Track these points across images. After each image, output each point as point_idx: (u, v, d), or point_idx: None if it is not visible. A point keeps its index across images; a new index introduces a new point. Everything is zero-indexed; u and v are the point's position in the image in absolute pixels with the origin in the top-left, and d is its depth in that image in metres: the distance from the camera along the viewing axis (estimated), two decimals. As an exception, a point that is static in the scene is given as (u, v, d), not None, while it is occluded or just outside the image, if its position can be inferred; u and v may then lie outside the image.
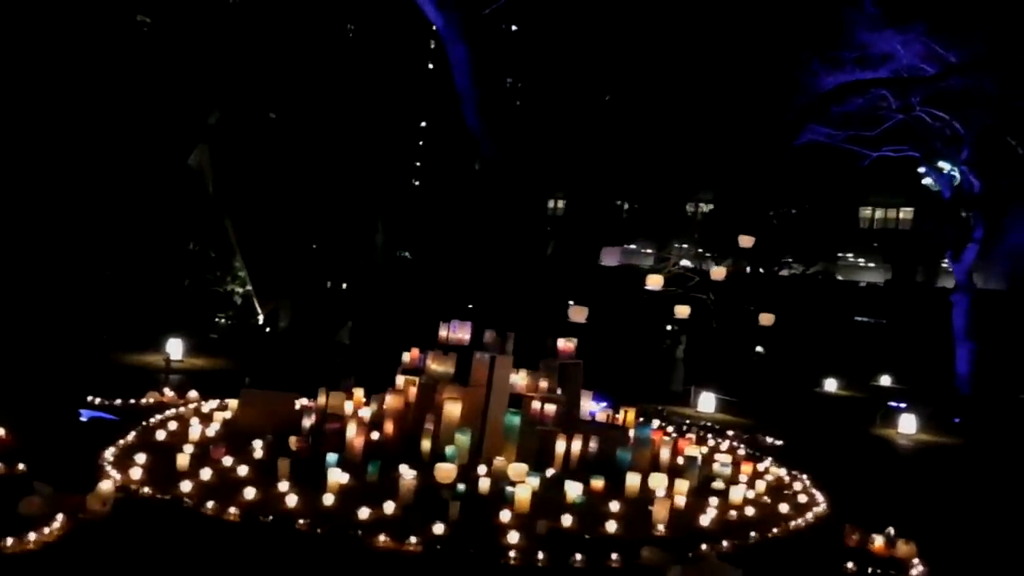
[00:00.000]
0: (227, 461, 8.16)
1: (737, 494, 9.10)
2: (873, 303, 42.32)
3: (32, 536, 5.78)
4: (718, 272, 12.37)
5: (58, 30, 18.53)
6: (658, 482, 9.10)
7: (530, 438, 9.53)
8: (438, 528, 6.78)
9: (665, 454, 10.09)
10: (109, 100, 18.98)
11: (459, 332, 10.47)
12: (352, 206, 28.06)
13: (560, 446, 9.49)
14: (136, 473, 7.51)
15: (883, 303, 42.03)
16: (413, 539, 6.49)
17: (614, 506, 8.12)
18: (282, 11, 21.08)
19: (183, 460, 7.92)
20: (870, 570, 7.07)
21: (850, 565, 7.14)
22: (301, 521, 6.72)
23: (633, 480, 8.82)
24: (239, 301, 20.23)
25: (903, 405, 19.80)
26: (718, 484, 9.48)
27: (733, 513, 8.57)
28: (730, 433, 14.37)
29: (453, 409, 9.49)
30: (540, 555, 6.45)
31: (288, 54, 21.30)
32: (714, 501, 8.83)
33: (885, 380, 29.82)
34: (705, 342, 23.96)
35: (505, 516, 7.29)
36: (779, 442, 14.14)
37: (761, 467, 11.10)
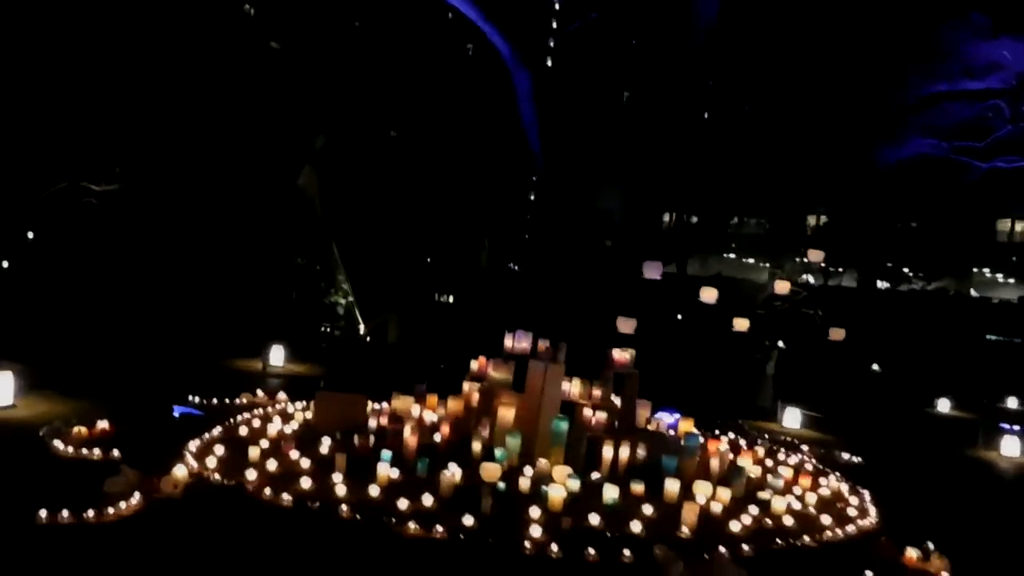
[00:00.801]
0: (294, 455, 9.00)
1: (780, 504, 9.26)
2: (1008, 321, 40.16)
3: (111, 510, 6.73)
4: (782, 286, 12.39)
5: (182, 58, 20.31)
6: (701, 489, 9.38)
7: (578, 443, 9.98)
8: (468, 520, 7.37)
9: (715, 463, 10.31)
10: (231, 126, 20.66)
11: (522, 342, 11.07)
12: (458, 222, 29.24)
13: (608, 451, 9.89)
14: (211, 462, 8.45)
15: (1018, 321, 39.83)
16: (440, 528, 7.10)
17: (647, 509, 8.48)
18: (389, 35, 22.26)
19: (254, 452, 8.82)
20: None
21: (869, 574, 7.25)
22: (344, 508, 7.45)
23: (672, 485, 9.13)
24: (342, 312, 21.48)
25: (1016, 428, 18.93)
26: (765, 494, 9.64)
27: (769, 521, 8.75)
28: (804, 448, 14.29)
29: (507, 414, 10.07)
30: (554, 547, 6.92)
31: (394, 76, 22.51)
32: (754, 510, 9.03)
33: (1012, 402, 28.29)
34: (806, 357, 23.62)
35: (535, 513, 7.78)
36: (857, 459, 13.98)
37: (824, 481, 11.13)
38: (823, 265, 32.92)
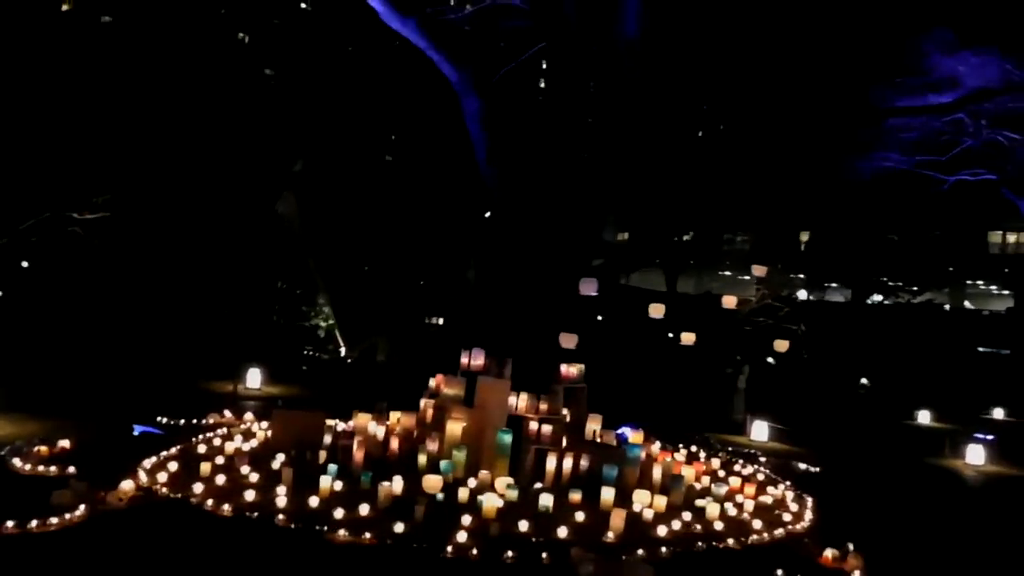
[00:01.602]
0: (244, 470, 9.39)
1: (714, 510, 9.62)
2: (998, 332, 40.42)
3: (55, 520, 7.13)
4: (729, 300, 12.77)
5: (164, 88, 20.88)
6: (638, 497, 9.76)
7: (524, 455, 10.37)
8: (399, 527, 7.75)
9: (656, 472, 10.67)
10: (212, 153, 21.21)
11: (477, 359, 11.47)
12: (444, 241, 29.69)
13: (551, 462, 10.27)
14: (163, 477, 8.85)
15: (1009, 332, 40.10)
16: (368, 534, 7.48)
17: (579, 516, 8.85)
18: (362, 59, 22.77)
19: (206, 467, 9.22)
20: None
21: (780, 572, 7.59)
22: (282, 517, 7.83)
23: (607, 493, 9.50)
24: (323, 335, 21.90)
25: (990, 438, 19.22)
26: (702, 501, 9.99)
27: (698, 527, 9.11)
28: (763, 459, 14.63)
29: (455, 428, 10.47)
30: (474, 551, 7.30)
31: (371, 99, 23.03)
32: (687, 516, 9.39)
33: (998, 413, 28.52)
34: (782, 372, 23.97)
35: (467, 520, 8.16)
36: (815, 469, 14.32)
37: (771, 490, 11.47)
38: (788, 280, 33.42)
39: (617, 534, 8.45)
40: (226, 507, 7.98)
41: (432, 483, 9.27)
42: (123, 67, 20.59)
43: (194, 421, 12.50)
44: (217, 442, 10.92)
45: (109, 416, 11.92)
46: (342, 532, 7.51)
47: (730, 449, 15.49)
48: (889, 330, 36.39)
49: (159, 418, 12.33)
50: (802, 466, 14.41)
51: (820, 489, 12.43)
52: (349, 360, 22.08)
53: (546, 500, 9.08)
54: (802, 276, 45.54)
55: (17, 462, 8.99)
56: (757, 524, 9.44)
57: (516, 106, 11.51)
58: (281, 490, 8.67)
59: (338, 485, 9.01)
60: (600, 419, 11.88)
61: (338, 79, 22.34)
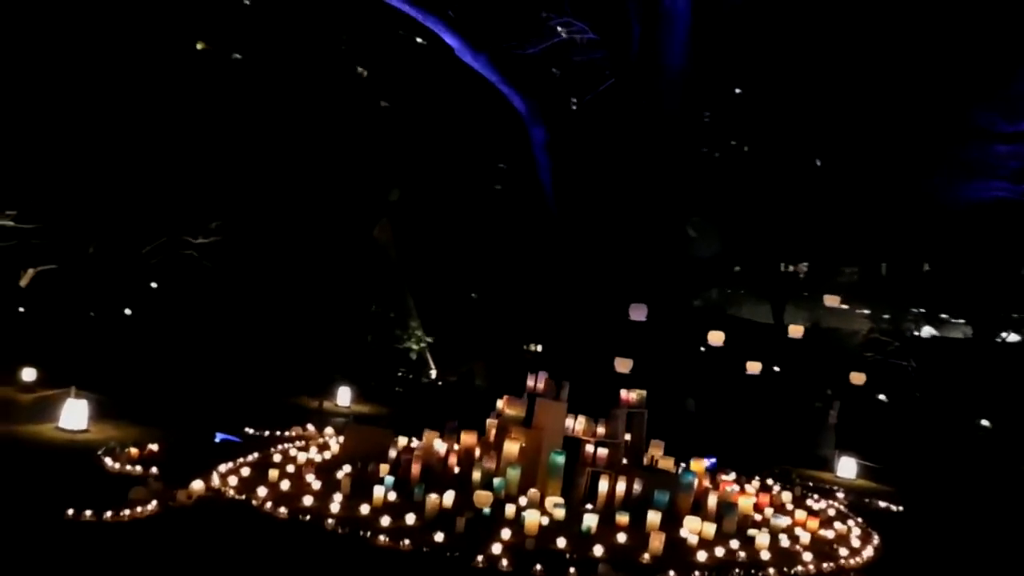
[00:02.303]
0: (309, 478, 9.99)
1: (764, 540, 9.56)
2: None
3: (127, 512, 7.87)
4: (796, 330, 12.57)
5: (271, 123, 22.29)
6: (689, 523, 9.81)
7: (577, 476, 10.60)
8: (438, 536, 8.13)
9: (712, 500, 10.67)
10: (313, 183, 22.48)
11: (539, 382, 11.78)
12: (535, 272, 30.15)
13: (603, 485, 10.45)
14: (232, 480, 9.54)
15: None
16: (407, 541, 7.89)
17: (621, 537, 9.00)
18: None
19: (273, 474, 9.87)
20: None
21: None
22: (330, 522, 8.35)
23: (653, 517, 9.59)
24: (414, 357, 22.67)
25: None
26: (754, 531, 9.93)
27: (743, 555, 9.08)
28: (840, 495, 14.29)
29: (512, 448, 10.80)
30: (504, 562, 7.59)
31: (466, 133, 23.85)
32: (735, 544, 9.38)
33: None
34: (877, 408, 23.13)
35: (506, 534, 8.46)
36: (897, 508, 13.89)
37: (838, 525, 11.24)
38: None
39: (654, 556, 8.56)
40: (283, 510, 8.56)
41: (482, 498, 9.61)
42: (237, 105, 22.08)
43: (277, 433, 13.28)
44: (292, 452, 11.60)
45: (201, 425, 12.78)
46: (383, 538, 7.94)
47: (810, 484, 15.17)
48: (1018, 370, 34.41)
49: (246, 428, 13.18)
50: (882, 504, 13.98)
51: (895, 528, 12.10)
52: (440, 383, 22.72)
53: (589, 520, 9.27)
54: (921, 310, 43.60)
55: (108, 461, 9.87)
56: (807, 557, 9.32)
57: (581, 136, 11.87)
58: (338, 497, 9.20)
59: (392, 496, 9.48)
60: (662, 445, 11.95)
61: (435, 109, 23.26)
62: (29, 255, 20.78)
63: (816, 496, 13.73)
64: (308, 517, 8.41)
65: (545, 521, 9.27)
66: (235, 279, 22.29)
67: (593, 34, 12.81)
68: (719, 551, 9.00)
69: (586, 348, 11.92)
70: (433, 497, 9.12)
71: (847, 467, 17.14)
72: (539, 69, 12.78)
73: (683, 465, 11.91)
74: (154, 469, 9.67)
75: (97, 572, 6.65)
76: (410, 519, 8.62)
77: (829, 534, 10.77)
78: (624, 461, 11.24)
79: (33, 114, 20.00)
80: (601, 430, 11.18)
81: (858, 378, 13.15)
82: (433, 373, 22.93)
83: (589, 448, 10.91)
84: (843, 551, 9.86)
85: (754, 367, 12.36)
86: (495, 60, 12.13)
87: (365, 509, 8.83)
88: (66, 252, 21.27)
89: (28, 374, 14.58)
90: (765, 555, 9.16)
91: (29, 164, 20.04)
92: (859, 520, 12.18)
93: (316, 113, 22.74)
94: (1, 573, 6.34)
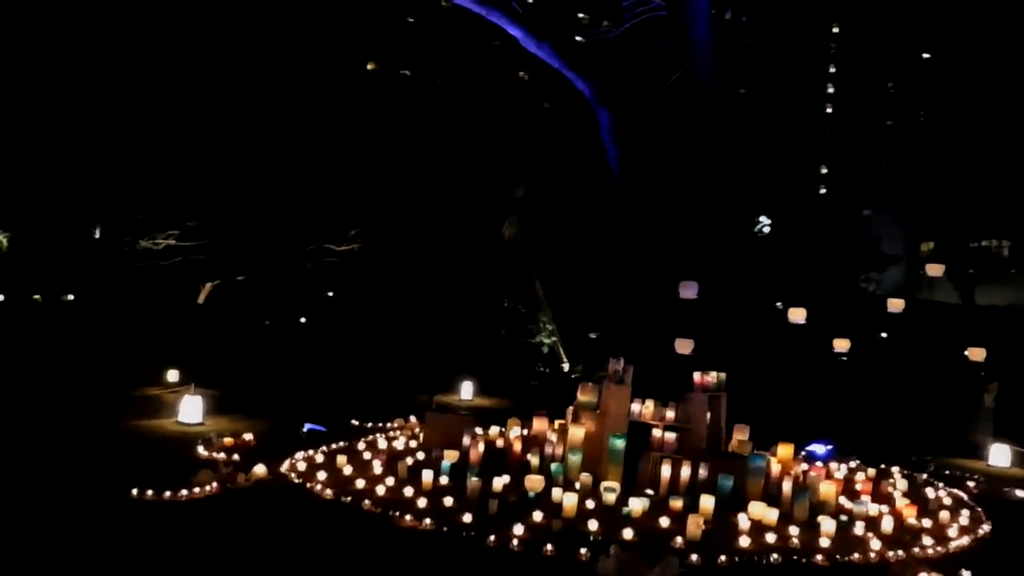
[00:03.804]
0: (375, 464, 10.44)
1: (830, 527, 8.95)
2: None
3: (184, 492, 8.62)
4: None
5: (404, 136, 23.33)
6: (755, 509, 9.37)
7: (642, 461, 10.37)
8: (466, 517, 8.28)
9: (787, 486, 10.10)
10: (442, 187, 23.35)
11: (620, 367, 11.65)
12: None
13: (666, 470, 10.16)
14: (301, 466, 10.17)
15: None
16: (428, 521, 8.11)
17: (664, 521, 8.74)
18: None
19: (341, 460, 10.40)
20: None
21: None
22: (367, 503, 8.71)
23: (707, 502, 9.23)
24: (546, 351, 22.90)
25: None
26: (823, 518, 9.30)
27: (796, 542, 8.55)
28: (971, 483, 13.03)
29: (576, 433, 10.74)
30: (515, 542, 7.61)
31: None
32: (795, 530, 8.85)
33: None
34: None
35: (537, 516, 8.47)
36: (1037, 499, 12.49)
37: (944, 515, 10.30)
38: None
39: (691, 539, 8.25)
40: (328, 492, 9.03)
41: (532, 482, 9.65)
42: (369, 113, 23.27)
43: (380, 424, 13.91)
44: (380, 442, 12.13)
45: (303, 417, 13.59)
46: (408, 518, 8.19)
47: (945, 473, 13.93)
48: None
49: (352, 420, 13.91)
50: (1021, 494, 12.59)
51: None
52: (574, 376, 22.78)
53: (635, 504, 9.07)
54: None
55: (201, 449, 10.80)
56: (876, 544, 8.62)
57: (647, 120, 11.64)
58: (390, 481, 9.57)
59: (444, 480, 9.72)
60: (746, 430, 11.43)
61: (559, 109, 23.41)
62: (193, 271, 22.91)
63: (941, 484, 12.60)
64: (349, 499, 8.81)
65: (591, 505, 9.17)
66: (373, 282, 23.51)
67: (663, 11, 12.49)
68: (770, 537, 8.52)
69: (663, 331, 11.64)
70: (474, 480, 9.27)
71: (1000, 455, 15.56)
72: (601, 54, 12.65)
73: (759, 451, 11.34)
74: (236, 456, 10.47)
75: (143, 544, 7.32)
76: (447, 501, 8.81)
77: (924, 523, 9.87)
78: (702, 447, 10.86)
79: (184, 136, 22.08)
80: (671, 414, 10.89)
81: (977, 353, 11.96)
82: (565, 366, 23.04)
83: (657, 432, 10.66)
84: (927, 540, 9.00)
85: (842, 344, 11.55)
86: (557, 48, 12.12)
87: (409, 491, 9.11)
88: (228, 266, 23.27)
89: (172, 375, 16.18)
90: (824, 542, 8.56)
91: (183, 184, 22.14)
92: (978, 510, 11.05)
93: (442, 115, 23.55)
94: (63, 543, 7.16)
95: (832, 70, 52.84)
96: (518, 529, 7.94)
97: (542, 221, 23.29)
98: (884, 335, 33.77)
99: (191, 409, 12.92)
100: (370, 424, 13.87)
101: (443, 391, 19.44)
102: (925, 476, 13.07)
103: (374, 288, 23.29)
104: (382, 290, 23.20)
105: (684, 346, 10.60)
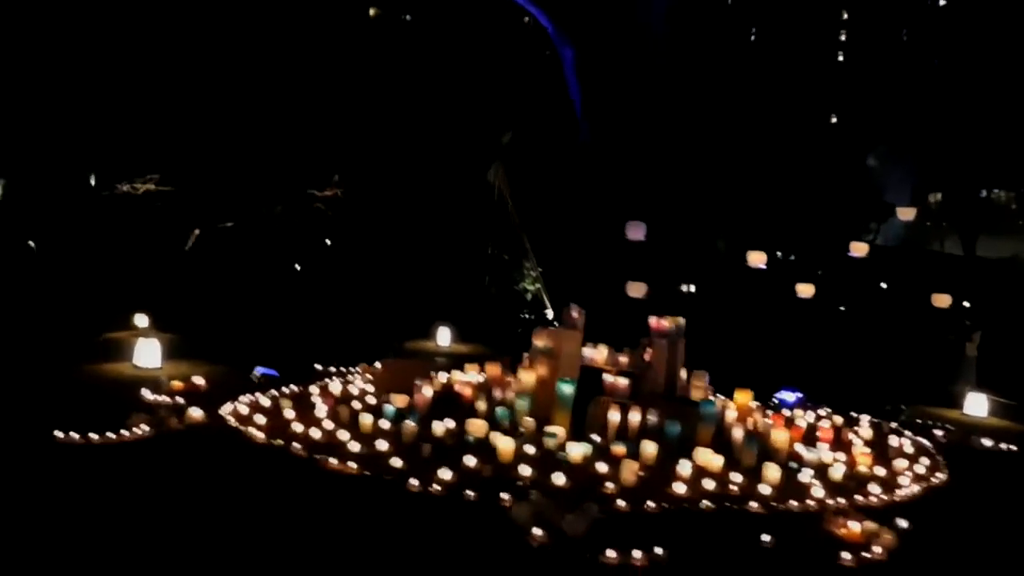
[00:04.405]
0: (320, 408, 10.25)
1: (774, 475, 8.74)
2: None
3: (111, 436, 8.47)
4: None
5: (386, 80, 22.82)
6: (700, 456, 9.16)
7: (593, 407, 10.16)
8: (397, 462, 8.11)
9: (738, 433, 9.88)
10: (427, 130, 22.92)
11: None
12: (690, 210, 28.96)
13: (614, 416, 9.94)
14: (243, 410, 10.00)
15: None
16: (353, 464, 7.94)
17: (601, 467, 8.54)
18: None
19: (285, 403, 10.24)
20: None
21: (766, 537, 6.80)
22: (296, 445, 8.55)
23: (649, 448, 9.01)
24: (529, 298, 22.67)
25: None
26: (768, 465, 9.07)
27: (736, 488, 8.34)
28: (940, 432, 12.78)
29: (526, 378, 10.53)
30: (437, 487, 7.43)
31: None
32: (738, 477, 8.64)
33: None
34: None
35: (471, 461, 8.28)
36: (1010, 448, 12.24)
37: (900, 464, 10.08)
38: None
39: (625, 485, 8.05)
40: (260, 435, 8.87)
41: (474, 427, 9.47)
42: (346, 55, 22.72)
43: (343, 369, 13.73)
44: (333, 387, 11.93)
45: (270, 363, 13.33)
46: (333, 462, 8.02)
47: (918, 422, 13.68)
48: None
49: (315, 365, 13.75)
50: (988, 443, 12.34)
51: (985, 468, 10.71)
52: (557, 324, 22.55)
53: (574, 450, 8.87)
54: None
55: (146, 392, 10.64)
56: (818, 492, 8.40)
57: (610, 59, 11.20)
58: (329, 425, 9.40)
59: (385, 424, 9.54)
60: (705, 376, 11.20)
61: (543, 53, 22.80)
62: (175, 217, 22.64)
63: (908, 433, 12.36)
64: (279, 442, 8.65)
65: (531, 451, 8.98)
66: (356, 228, 23.22)
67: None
68: (710, 485, 8.31)
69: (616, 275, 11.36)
70: (410, 424, 9.09)
71: (976, 404, 15.27)
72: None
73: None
74: (180, 399, 10.32)
75: (59, 487, 7.17)
76: (382, 446, 8.64)
77: (880, 471, 9.64)
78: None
79: (163, 82, 21.63)
80: (624, 359, 10.64)
81: (941, 300, 11.64)
82: (550, 313, 22.78)
83: (608, 378, 10.42)
84: (874, 489, 8.77)
85: (806, 290, 11.23)
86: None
87: (344, 435, 8.94)
88: (211, 212, 22.99)
89: (140, 319, 16.03)
90: (766, 490, 8.34)
91: (164, 129, 21.74)
92: (938, 458, 10.82)
93: (423, 59, 22.99)
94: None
95: (845, 16, 51.51)
96: (445, 474, 7.74)
97: (529, 167, 22.83)
98: (884, 285, 33.37)
99: (147, 353, 12.76)
100: (333, 369, 13.70)
101: (421, 338, 19.30)
102: (894, 425, 12.81)
103: (357, 234, 23.00)
104: (365, 236, 22.92)
105: (636, 289, 10.31)
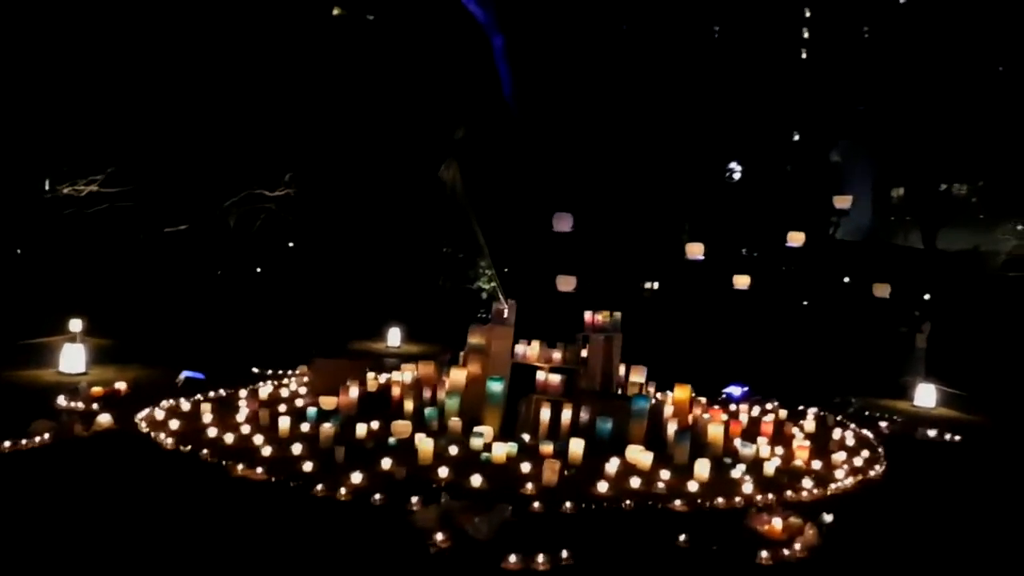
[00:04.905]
0: (241, 413, 9.87)
1: (703, 471, 8.47)
2: None
3: (7, 444, 8.03)
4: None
5: (334, 71, 22.38)
6: (630, 453, 8.89)
7: (522, 405, 9.86)
8: (307, 466, 7.75)
9: (671, 428, 9.62)
10: (377, 126, 22.50)
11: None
12: (653, 207, 28.79)
13: (545, 414, 9.64)
14: (160, 415, 9.59)
15: None
16: (260, 470, 7.57)
17: (525, 467, 8.24)
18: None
19: (205, 407, 9.84)
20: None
21: (682, 537, 6.52)
22: (205, 452, 8.16)
23: (576, 446, 8.72)
24: (484, 296, 22.31)
25: None
26: (700, 461, 8.80)
27: (662, 486, 8.06)
28: (883, 424, 12.61)
29: (457, 376, 10.21)
30: (343, 491, 7.09)
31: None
32: (666, 474, 8.37)
33: None
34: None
35: (386, 464, 7.93)
36: (953, 438, 12.08)
37: (837, 457, 9.87)
38: None
39: (546, 485, 7.76)
40: (169, 441, 8.47)
41: (399, 428, 9.14)
42: (297, 52, 22.27)
43: (280, 372, 13.34)
44: (261, 389, 11.55)
45: (198, 367, 12.96)
46: (240, 467, 7.65)
47: (866, 414, 13.52)
48: None
49: (252, 368, 13.35)
50: (931, 433, 12.19)
51: (928, 460, 10.56)
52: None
53: (498, 450, 8.56)
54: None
55: (61, 399, 10.18)
56: (747, 489, 8.15)
57: (536, 44, 10.95)
58: (246, 429, 9.03)
59: (305, 427, 9.18)
60: (643, 371, 10.97)
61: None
62: (120, 218, 22.05)
63: (852, 425, 12.19)
64: (189, 447, 8.26)
65: (454, 451, 8.67)
66: (308, 229, 22.80)
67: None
68: (635, 482, 8.03)
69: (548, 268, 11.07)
70: (326, 427, 8.74)
71: (926, 395, 15.19)
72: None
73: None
74: (95, 406, 9.89)
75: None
76: (296, 449, 8.28)
77: (816, 464, 9.42)
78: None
79: (109, 81, 21.04)
80: (557, 355, 10.35)
81: (881, 289, 11.48)
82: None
83: (540, 375, 10.12)
84: (807, 483, 8.53)
85: (741, 281, 11.02)
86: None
87: (259, 440, 8.57)
88: (157, 214, 22.42)
89: (75, 324, 15.50)
90: (693, 486, 8.07)
91: (111, 129, 21.16)
92: (879, 450, 10.63)
93: (375, 56, 22.60)
94: None
95: (807, 14, 51.68)
96: (356, 478, 7.40)
97: (482, 163, 22.49)
98: (846, 279, 33.42)
99: (72, 358, 12.32)
100: (270, 372, 13.33)
101: (372, 338, 18.97)
102: (839, 417, 12.64)
103: (310, 234, 22.58)
104: (318, 236, 22.50)
105: (566, 283, 10.02)
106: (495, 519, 6.33)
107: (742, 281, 10.96)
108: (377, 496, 7.01)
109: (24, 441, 8.15)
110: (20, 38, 21.69)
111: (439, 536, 6.10)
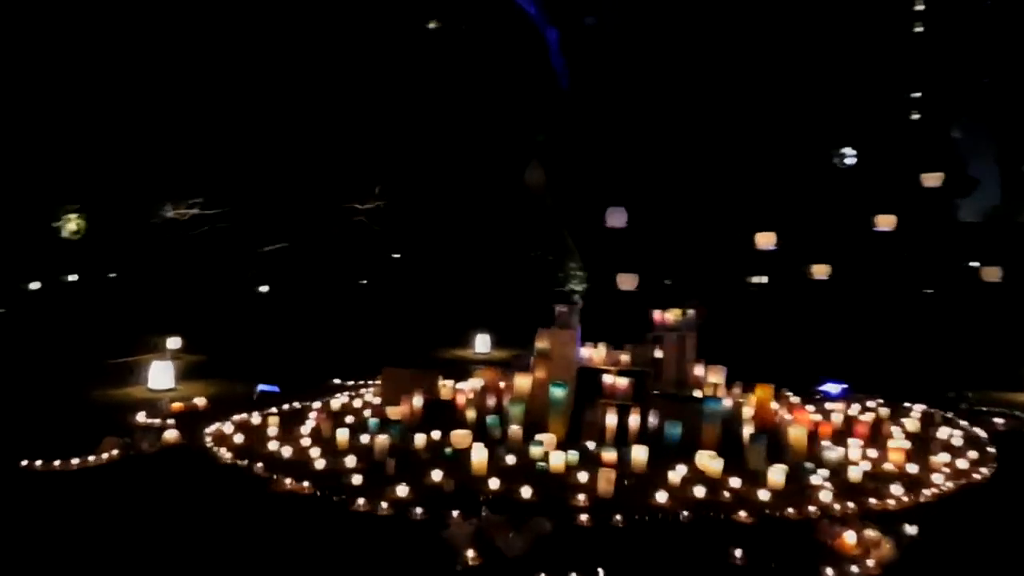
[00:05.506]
0: (307, 424, 9.85)
1: (778, 478, 7.84)
2: None
3: (75, 461, 8.24)
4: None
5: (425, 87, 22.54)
6: (700, 459, 8.35)
7: (588, 411, 9.44)
8: (356, 479, 7.60)
9: (746, 432, 8.99)
10: (462, 136, 22.53)
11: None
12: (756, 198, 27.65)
13: (610, 419, 9.19)
14: (228, 428, 9.69)
15: None
16: (307, 484, 7.46)
17: (582, 477, 7.83)
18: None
19: (273, 421, 9.88)
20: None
21: (737, 552, 5.97)
22: (260, 466, 8.13)
23: (639, 453, 8.23)
24: (577, 299, 21.91)
25: None
26: (776, 467, 8.15)
27: (727, 494, 7.48)
28: (999, 421, 11.47)
29: (522, 383, 9.89)
30: (361, 501, 6.89)
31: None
32: (737, 483, 7.79)
33: None
34: None
35: (436, 475, 7.69)
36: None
37: (935, 459, 8.99)
38: None
39: (602, 496, 7.32)
40: (228, 456, 8.50)
41: (458, 438, 8.89)
42: (384, 65, 22.54)
43: (360, 382, 13.37)
44: (333, 401, 11.54)
45: (270, 380, 13.02)
46: (288, 481, 7.57)
47: (983, 409, 12.37)
48: None
49: (334, 380, 13.45)
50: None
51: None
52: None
53: (555, 460, 8.17)
54: None
55: (140, 416, 10.45)
56: (825, 497, 7.46)
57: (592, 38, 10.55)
58: (306, 442, 8.98)
59: (365, 439, 9.06)
60: (723, 371, 10.34)
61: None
62: (221, 240, 22.86)
63: (963, 423, 11.14)
64: (245, 462, 8.26)
65: (511, 461, 8.35)
66: (400, 238, 23.00)
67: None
68: (700, 491, 7.48)
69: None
70: (382, 439, 8.56)
71: (1045, 387, 13.80)
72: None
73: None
74: (171, 421, 10.10)
75: (26, 513, 6.94)
76: (350, 462, 8.16)
77: (912, 469, 8.59)
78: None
79: (205, 104, 21.85)
80: (625, 358, 9.88)
81: (992, 274, 10.43)
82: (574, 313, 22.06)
83: (607, 379, 9.67)
84: (896, 490, 7.76)
85: (820, 271, 10.22)
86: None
87: (316, 452, 8.49)
88: (257, 233, 23.13)
89: (172, 342, 16.06)
90: (764, 495, 7.46)
91: (210, 153, 21.97)
92: (989, 450, 9.63)
93: (457, 64, 22.63)
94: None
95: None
96: (402, 491, 7.19)
97: (569, 164, 22.15)
98: (975, 264, 31.14)
99: (160, 375, 12.67)
100: (351, 383, 13.36)
101: (462, 345, 18.87)
102: (949, 414, 11.59)
103: (400, 244, 22.77)
104: (408, 246, 22.66)
105: (627, 281, 9.53)
106: (530, 534, 5.97)
107: (821, 271, 10.18)
108: (419, 510, 6.76)
109: (92, 458, 8.34)
110: (131, 71, 22.79)
111: (470, 553, 5.78)
